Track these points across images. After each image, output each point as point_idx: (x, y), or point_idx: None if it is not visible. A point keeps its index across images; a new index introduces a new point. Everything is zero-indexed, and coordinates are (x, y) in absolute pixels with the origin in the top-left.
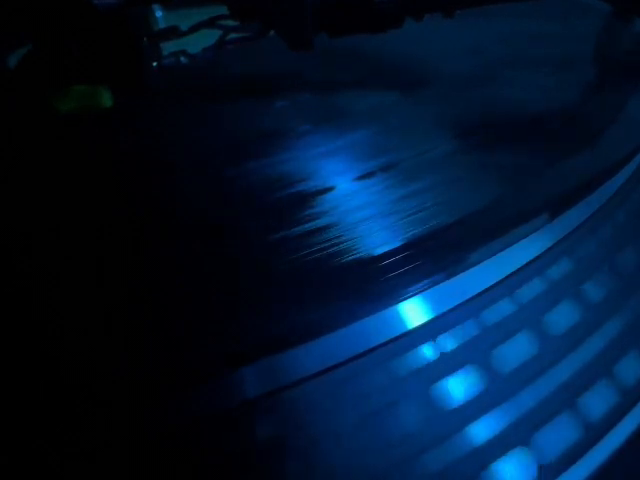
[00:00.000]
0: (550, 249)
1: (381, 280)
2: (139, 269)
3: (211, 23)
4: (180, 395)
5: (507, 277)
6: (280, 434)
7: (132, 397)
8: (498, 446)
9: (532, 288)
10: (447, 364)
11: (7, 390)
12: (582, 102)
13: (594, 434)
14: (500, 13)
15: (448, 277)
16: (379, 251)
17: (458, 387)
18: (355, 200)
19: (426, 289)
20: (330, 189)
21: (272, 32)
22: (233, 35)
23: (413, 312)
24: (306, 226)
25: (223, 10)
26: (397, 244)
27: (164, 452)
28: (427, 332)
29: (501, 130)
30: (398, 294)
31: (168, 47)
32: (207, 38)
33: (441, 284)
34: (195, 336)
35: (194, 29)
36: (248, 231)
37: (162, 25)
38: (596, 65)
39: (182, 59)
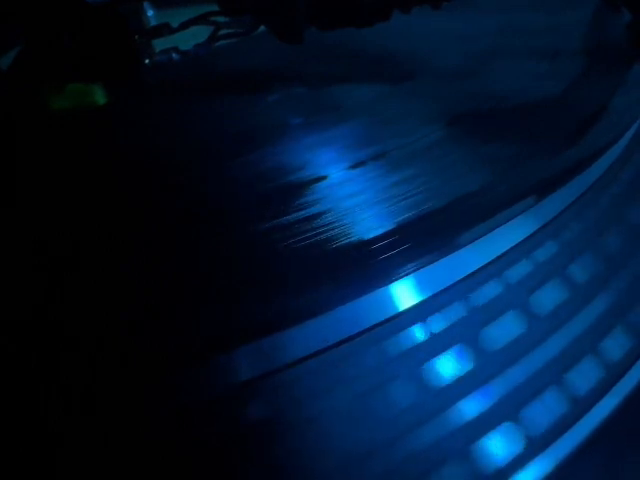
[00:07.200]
0: (538, 231)
1: (372, 263)
2: (133, 256)
3: (202, 19)
4: (170, 380)
5: (496, 259)
6: (271, 417)
7: (123, 382)
8: (487, 422)
9: (520, 269)
10: (437, 344)
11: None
12: (570, 91)
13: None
14: (487, 4)
15: (437, 259)
16: (370, 235)
17: (447, 367)
18: (347, 188)
19: (415, 271)
20: (322, 178)
21: (262, 27)
22: (224, 31)
23: (403, 294)
24: (300, 213)
25: (214, 6)
26: (387, 228)
27: (158, 437)
28: (417, 313)
29: (489, 118)
30: (388, 276)
31: (160, 44)
32: (199, 34)
33: (430, 266)
34: (186, 320)
35: (185, 26)
36: (243, 219)
37: (153, 23)
38: (584, 54)
39: (174, 56)
